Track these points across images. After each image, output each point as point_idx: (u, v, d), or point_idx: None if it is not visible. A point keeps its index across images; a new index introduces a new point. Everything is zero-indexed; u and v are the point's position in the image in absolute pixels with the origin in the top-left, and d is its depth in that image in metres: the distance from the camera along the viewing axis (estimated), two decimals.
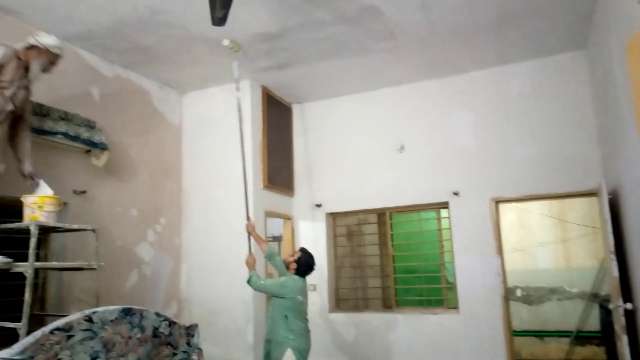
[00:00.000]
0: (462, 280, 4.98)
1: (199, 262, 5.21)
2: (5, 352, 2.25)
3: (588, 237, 6.82)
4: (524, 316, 6.94)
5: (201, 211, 5.30)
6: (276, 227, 6.52)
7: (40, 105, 3.72)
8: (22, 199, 3.21)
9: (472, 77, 5.25)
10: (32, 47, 3.21)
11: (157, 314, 3.09)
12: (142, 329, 2.93)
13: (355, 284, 6.03)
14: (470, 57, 4.90)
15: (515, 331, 5.50)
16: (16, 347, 2.29)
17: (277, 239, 6.94)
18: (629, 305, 3.53)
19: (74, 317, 2.60)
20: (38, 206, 3.15)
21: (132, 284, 4.62)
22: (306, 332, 3.76)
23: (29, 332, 2.62)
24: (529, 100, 4.98)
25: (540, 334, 6.84)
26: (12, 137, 3.29)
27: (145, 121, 5.04)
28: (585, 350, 6.53)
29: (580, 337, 6.59)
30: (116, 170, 4.59)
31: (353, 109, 5.80)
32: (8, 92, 3.06)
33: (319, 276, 5.47)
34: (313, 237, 5.77)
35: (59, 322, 2.51)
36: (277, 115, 5.73)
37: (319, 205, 5.80)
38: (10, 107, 3.07)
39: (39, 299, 3.87)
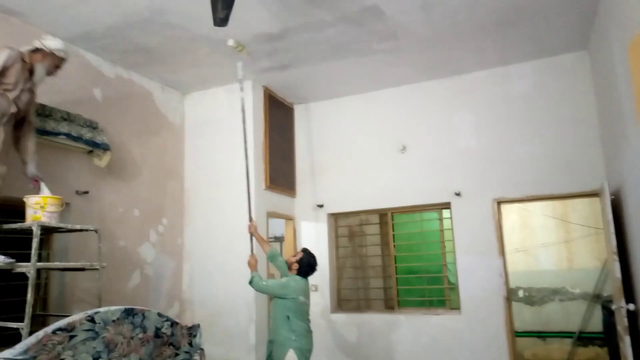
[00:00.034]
0: (464, 281, 4.97)
1: (201, 263, 5.22)
2: (8, 352, 2.26)
3: (590, 237, 6.81)
4: (527, 317, 6.92)
5: (203, 212, 5.31)
6: (278, 227, 6.52)
7: (43, 106, 3.74)
8: (25, 200, 3.22)
9: (474, 78, 5.24)
10: (37, 50, 3.23)
11: (159, 315, 3.10)
12: (144, 329, 2.94)
13: (357, 285, 6.03)
14: (472, 57, 4.89)
15: (517, 332, 5.49)
16: (19, 347, 2.30)
17: (279, 239, 6.94)
18: (631, 306, 3.51)
19: (76, 317, 2.61)
20: (40, 206, 3.17)
21: (134, 284, 4.63)
22: (308, 332, 3.75)
23: (31, 333, 2.63)
24: (530, 101, 4.97)
25: (542, 335, 6.82)
26: (17, 140, 3.31)
27: (147, 122, 5.05)
28: (588, 351, 6.52)
29: (583, 338, 6.57)
30: (118, 170, 4.60)
31: (355, 110, 5.80)
32: (12, 95, 3.08)
33: (321, 277, 5.47)
34: (315, 237, 5.77)
35: (61, 323, 2.53)
36: (278, 116, 5.74)
37: (320, 206, 5.80)
38: (13, 109, 3.09)
39: (42, 299, 3.89)
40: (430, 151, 5.32)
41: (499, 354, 4.70)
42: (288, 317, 3.67)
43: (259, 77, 5.23)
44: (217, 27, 3.37)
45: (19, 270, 2.98)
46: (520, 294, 7.04)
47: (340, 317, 5.51)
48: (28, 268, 2.94)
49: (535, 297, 6.99)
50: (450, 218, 5.18)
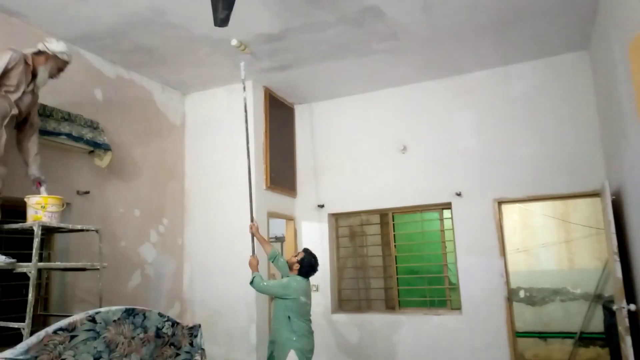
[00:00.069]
0: (465, 281, 4.97)
1: (201, 263, 5.22)
2: (9, 352, 2.27)
3: (591, 238, 6.80)
4: (527, 317, 6.92)
5: (203, 212, 5.31)
6: (278, 227, 6.53)
7: (44, 106, 3.74)
8: (26, 200, 3.22)
9: (475, 78, 5.24)
10: (40, 53, 3.23)
11: (160, 315, 3.10)
12: (145, 329, 2.94)
13: (358, 285, 6.03)
14: (473, 57, 4.89)
15: (518, 332, 5.48)
16: (20, 347, 2.31)
17: (280, 239, 6.94)
18: (632, 307, 3.51)
19: (77, 317, 2.61)
20: (41, 207, 3.17)
21: (135, 284, 4.63)
22: (309, 333, 3.75)
23: (32, 332, 2.63)
24: (531, 101, 4.97)
25: (543, 335, 6.82)
26: (20, 141, 3.31)
27: (147, 122, 5.05)
28: (589, 352, 6.51)
29: (584, 339, 6.57)
30: (119, 170, 4.60)
31: (355, 110, 5.80)
32: (14, 97, 3.08)
33: (322, 277, 5.48)
34: (316, 237, 5.77)
35: (62, 322, 2.53)
36: (279, 116, 5.74)
37: (321, 206, 5.80)
38: (15, 111, 3.09)
39: (43, 299, 3.89)
40: (431, 151, 5.32)
41: (499, 354, 4.70)
42: (289, 318, 3.67)
43: (260, 77, 5.24)
44: (217, 28, 3.37)
45: (20, 270, 2.98)
46: (521, 294, 7.04)
47: (341, 318, 5.51)
48: (29, 268, 2.94)
49: (536, 298, 6.99)
50: (451, 218, 5.18)
